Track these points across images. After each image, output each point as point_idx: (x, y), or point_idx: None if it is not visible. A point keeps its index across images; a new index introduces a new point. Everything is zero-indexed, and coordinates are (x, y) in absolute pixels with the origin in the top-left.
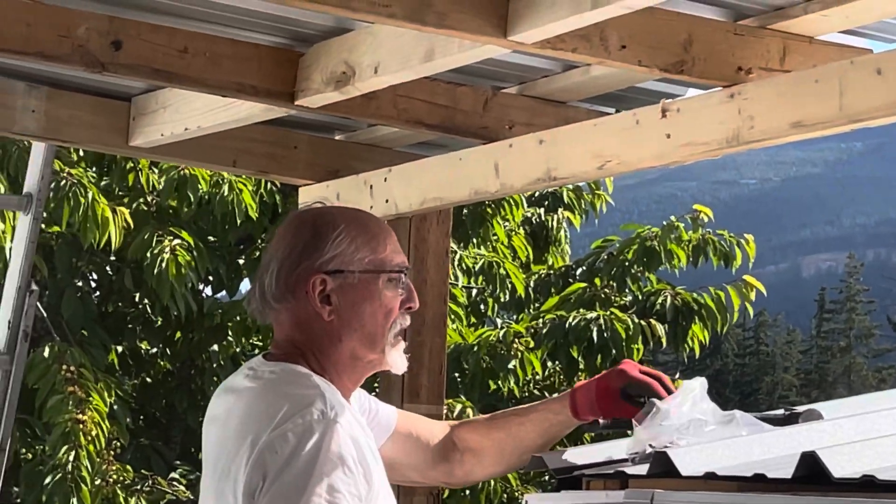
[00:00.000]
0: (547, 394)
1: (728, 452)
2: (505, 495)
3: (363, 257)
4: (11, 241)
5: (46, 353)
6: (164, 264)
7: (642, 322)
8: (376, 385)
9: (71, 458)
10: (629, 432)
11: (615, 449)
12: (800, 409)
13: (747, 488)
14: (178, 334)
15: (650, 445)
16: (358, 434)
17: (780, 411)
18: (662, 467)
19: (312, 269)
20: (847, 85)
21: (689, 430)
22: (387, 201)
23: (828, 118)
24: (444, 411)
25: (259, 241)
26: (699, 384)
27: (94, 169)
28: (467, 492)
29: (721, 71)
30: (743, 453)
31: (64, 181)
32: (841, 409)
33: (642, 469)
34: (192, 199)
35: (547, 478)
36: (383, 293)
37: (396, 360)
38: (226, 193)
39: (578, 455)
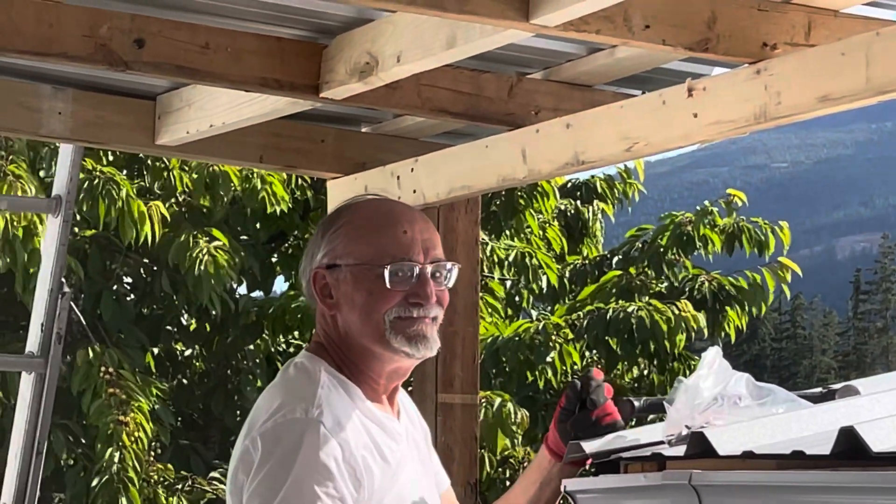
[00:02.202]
0: None
1: (765, 430)
2: None
3: (356, 250)
4: None
5: (89, 355)
6: (202, 266)
7: (689, 312)
8: (411, 377)
9: (116, 459)
10: (661, 416)
11: (652, 432)
12: (836, 385)
13: (786, 466)
14: (214, 335)
15: (686, 426)
16: (352, 435)
17: (818, 389)
18: (700, 447)
19: (314, 266)
20: (873, 57)
21: (724, 408)
22: (414, 192)
23: (855, 91)
24: (483, 405)
25: (291, 237)
26: (714, 352)
27: (124, 172)
28: (507, 483)
29: (746, 48)
30: (780, 431)
31: (97, 180)
32: (878, 384)
33: (679, 450)
34: (225, 197)
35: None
36: (377, 285)
37: (406, 346)
38: (258, 187)
39: (615, 440)
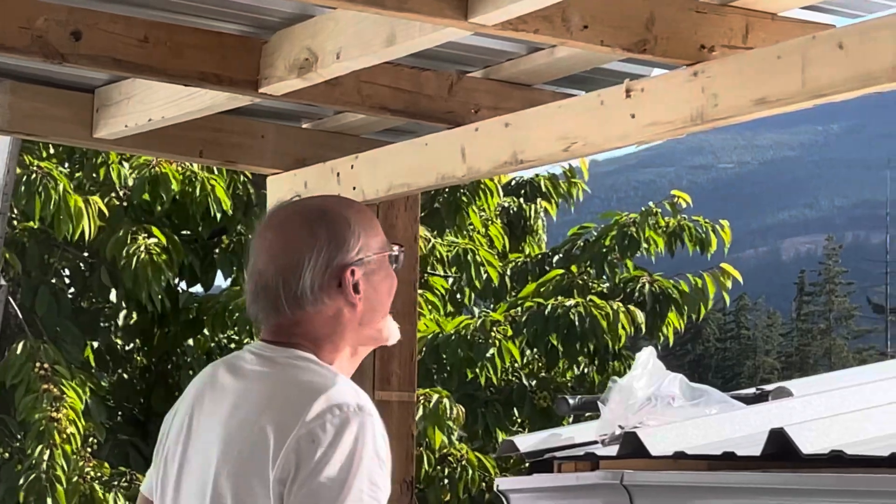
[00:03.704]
0: (526, 381)
1: (697, 431)
2: (483, 483)
3: (374, 241)
4: None
5: (20, 350)
6: (139, 263)
7: (623, 310)
8: None
9: (46, 456)
10: (597, 415)
11: (585, 431)
12: (769, 386)
13: (717, 466)
14: (155, 330)
15: (619, 426)
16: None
17: (751, 390)
18: (632, 447)
19: (344, 264)
20: (809, 60)
21: (658, 408)
22: (354, 188)
23: (791, 94)
24: (421, 401)
25: (234, 233)
26: (648, 353)
27: (66, 165)
28: (446, 481)
29: (684, 49)
30: (713, 432)
31: (34, 175)
32: (811, 386)
33: (613, 450)
34: (165, 198)
35: (524, 465)
36: (391, 271)
37: (393, 329)
38: (198, 194)
39: (549, 438)
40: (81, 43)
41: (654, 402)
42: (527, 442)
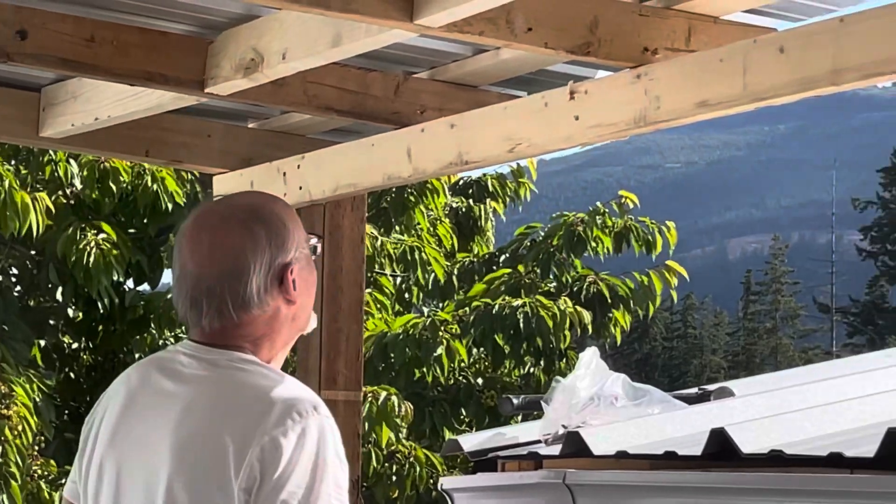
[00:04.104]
0: (473, 381)
1: (640, 431)
2: (431, 481)
3: (301, 235)
4: None
5: None
6: (90, 259)
7: (570, 310)
8: (295, 373)
9: None
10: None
11: (529, 430)
12: (711, 386)
13: (659, 466)
14: (101, 328)
15: (563, 426)
16: None
17: (694, 390)
18: (575, 447)
19: (285, 263)
20: (750, 64)
21: (600, 408)
22: (300, 188)
23: (732, 97)
24: (370, 399)
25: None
26: (591, 353)
27: (12, 163)
28: (393, 478)
29: (627, 52)
30: (654, 431)
31: None
32: (753, 386)
33: (556, 449)
34: (115, 192)
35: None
36: (312, 262)
37: (312, 318)
38: (149, 184)
39: (493, 438)
40: (27, 42)
41: (597, 402)
42: (471, 441)
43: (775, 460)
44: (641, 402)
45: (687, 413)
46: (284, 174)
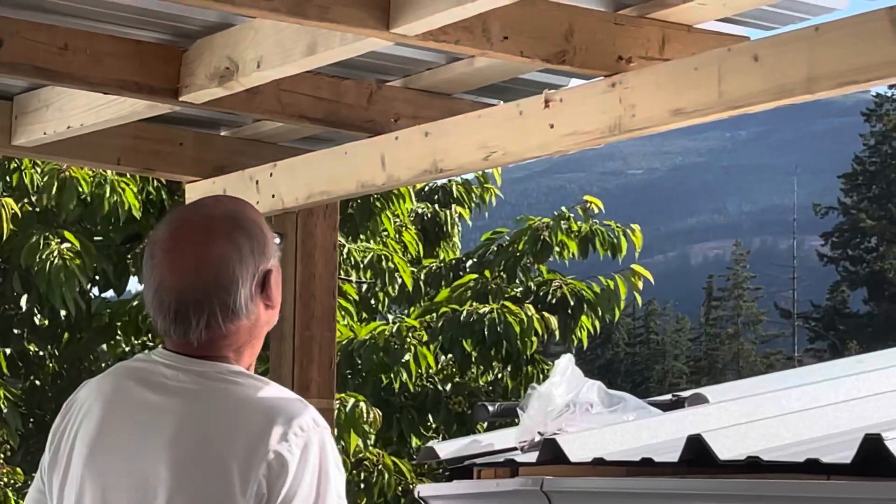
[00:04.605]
0: (441, 387)
1: (616, 438)
2: (399, 488)
3: (272, 238)
4: None
5: None
6: (52, 268)
7: (536, 315)
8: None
9: None
10: (516, 421)
11: (505, 437)
12: (686, 393)
13: (635, 472)
14: (66, 335)
15: (539, 433)
16: None
17: (668, 396)
18: (552, 454)
19: (267, 269)
20: (725, 72)
21: (576, 415)
22: (273, 196)
23: (707, 105)
24: (338, 406)
25: (146, 238)
26: (567, 360)
27: None
28: (361, 485)
29: (602, 60)
30: (631, 438)
31: None
32: (727, 392)
33: (532, 457)
34: (75, 201)
35: (440, 470)
36: (278, 263)
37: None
38: (108, 195)
39: (469, 445)
40: (2, 51)
41: (573, 409)
42: (447, 448)
43: (752, 467)
44: (617, 409)
45: (662, 420)
46: (257, 182)
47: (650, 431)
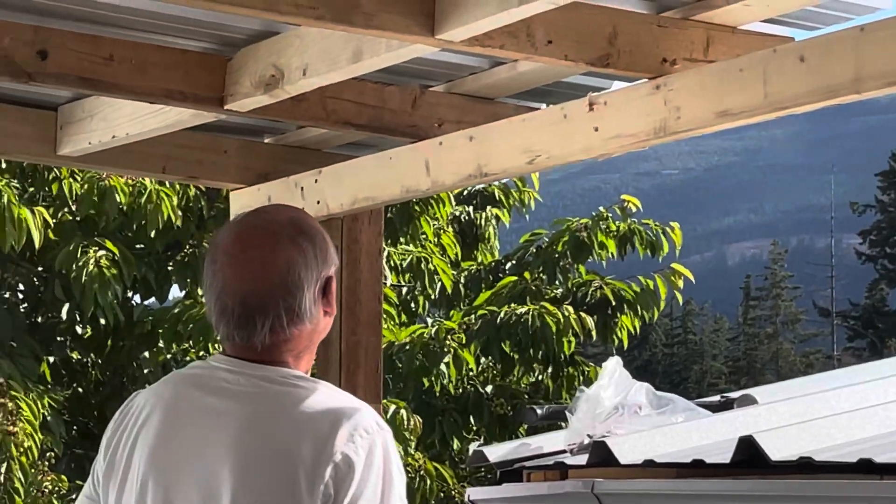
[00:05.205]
0: (482, 389)
1: (666, 439)
2: (441, 494)
3: (332, 246)
4: None
5: None
6: (88, 275)
7: (573, 316)
8: None
9: (3, 469)
10: (563, 424)
11: (554, 440)
12: (734, 394)
13: (686, 474)
14: (109, 343)
15: (588, 435)
16: None
17: (716, 398)
18: (601, 456)
19: (329, 276)
20: (771, 73)
21: (625, 417)
22: (318, 202)
23: (753, 106)
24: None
25: (188, 246)
26: (615, 362)
27: (16, 181)
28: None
29: (646, 63)
30: (681, 440)
31: None
32: (775, 393)
33: (581, 459)
34: (113, 212)
35: (483, 473)
36: None
37: None
38: (143, 204)
39: (518, 448)
40: (48, 62)
41: (622, 411)
42: (496, 452)
43: (804, 467)
44: (665, 411)
45: (712, 421)
46: (302, 188)
47: (700, 433)
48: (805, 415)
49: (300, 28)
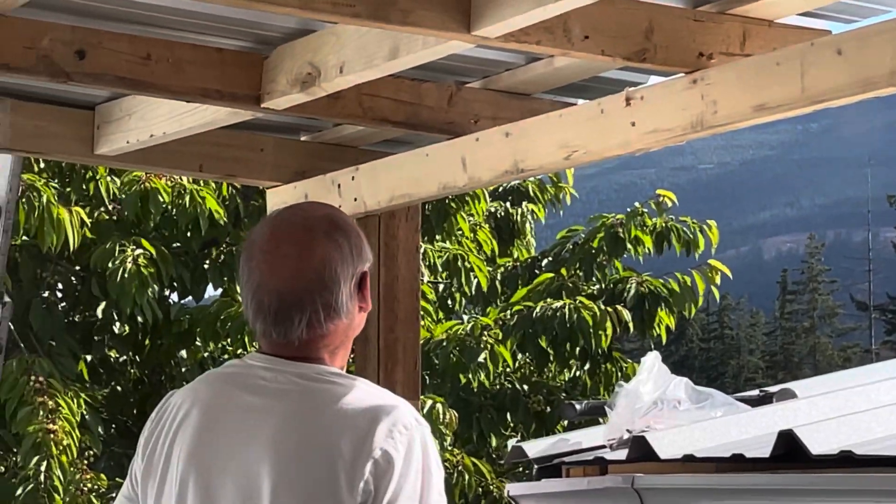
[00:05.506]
0: (518, 385)
1: (705, 434)
2: (480, 489)
3: (366, 242)
4: None
5: (14, 365)
6: (125, 274)
7: (609, 309)
8: None
9: (42, 468)
10: (601, 419)
11: (591, 436)
12: (773, 388)
13: (726, 469)
14: (147, 342)
15: (627, 430)
16: None
17: (755, 392)
18: (641, 451)
19: (364, 271)
20: (808, 66)
21: (664, 412)
22: (355, 200)
23: (790, 100)
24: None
25: (224, 244)
26: (653, 357)
27: (55, 180)
28: None
29: (683, 57)
30: (720, 434)
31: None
32: (814, 387)
33: (621, 454)
34: (155, 213)
35: (521, 469)
36: None
37: None
38: (187, 205)
39: (557, 444)
40: (86, 62)
41: (661, 406)
42: (535, 448)
43: (845, 461)
44: (704, 406)
45: (751, 415)
46: (339, 186)
47: (739, 427)
48: (845, 408)
49: (336, 26)
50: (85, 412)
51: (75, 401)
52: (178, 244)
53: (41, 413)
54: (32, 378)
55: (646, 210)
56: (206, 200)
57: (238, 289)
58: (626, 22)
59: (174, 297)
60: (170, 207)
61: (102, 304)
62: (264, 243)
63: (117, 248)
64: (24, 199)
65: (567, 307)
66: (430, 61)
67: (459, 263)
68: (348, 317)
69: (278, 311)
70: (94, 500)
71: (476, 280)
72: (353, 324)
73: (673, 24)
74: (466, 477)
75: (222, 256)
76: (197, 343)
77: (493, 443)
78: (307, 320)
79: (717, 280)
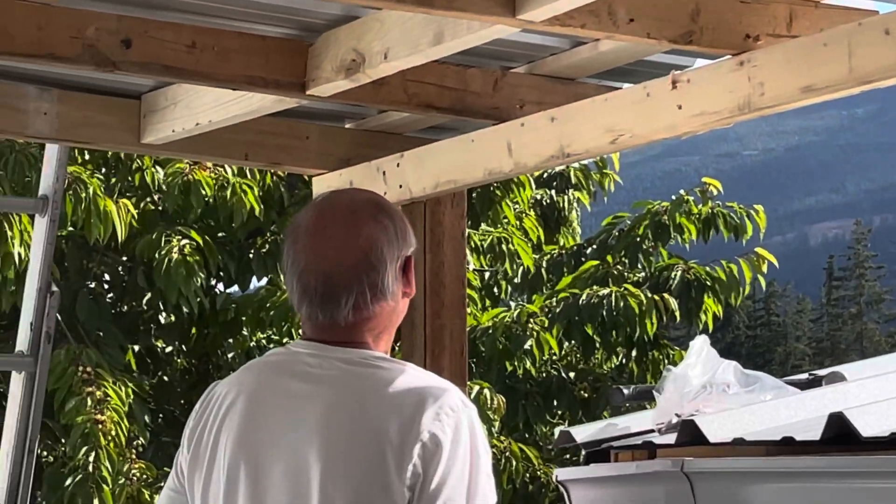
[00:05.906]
0: (564, 373)
1: (754, 417)
2: (528, 475)
3: (409, 227)
4: (19, 245)
5: (63, 355)
6: (171, 263)
7: (655, 297)
8: None
9: (91, 458)
10: (648, 405)
11: (640, 420)
12: (822, 371)
13: (776, 452)
14: (193, 331)
15: (676, 414)
16: None
17: (804, 375)
18: (690, 435)
19: (408, 255)
20: (856, 47)
21: (713, 396)
22: (401, 186)
23: (838, 81)
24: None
25: (268, 234)
26: (702, 341)
27: (102, 171)
28: None
29: (729, 39)
30: (769, 417)
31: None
32: (863, 370)
33: (670, 438)
34: (199, 206)
35: (568, 456)
36: None
37: None
38: (229, 197)
39: (605, 428)
40: (131, 51)
41: (710, 390)
42: (583, 432)
43: None
44: (754, 389)
45: (801, 399)
46: (384, 173)
47: (789, 410)
48: (894, 391)
49: (381, 12)
50: (132, 402)
51: (123, 391)
52: (224, 234)
53: (89, 403)
54: (80, 368)
55: (691, 197)
56: (247, 194)
57: (282, 277)
58: (671, 4)
59: (220, 286)
60: (211, 201)
61: (149, 295)
62: (310, 226)
63: (163, 239)
64: (70, 191)
65: (613, 295)
66: (474, 46)
67: (504, 247)
68: (394, 299)
69: (325, 293)
70: (143, 490)
71: (521, 266)
72: (398, 308)
73: (719, 6)
74: (514, 463)
75: (267, 246)
76: (243, 332)
77: (540, 430)
78: (353, 301)
79: (764, 269)
